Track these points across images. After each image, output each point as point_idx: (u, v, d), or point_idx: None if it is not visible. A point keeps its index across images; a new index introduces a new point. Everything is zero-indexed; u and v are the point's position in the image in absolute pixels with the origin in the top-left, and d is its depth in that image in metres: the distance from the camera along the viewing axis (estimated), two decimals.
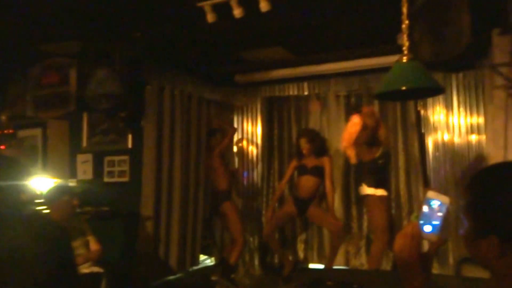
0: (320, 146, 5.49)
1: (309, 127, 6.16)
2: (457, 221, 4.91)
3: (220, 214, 5.72)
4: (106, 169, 5.47)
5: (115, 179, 5.42)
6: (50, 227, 1.09)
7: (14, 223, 1.06)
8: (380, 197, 4.89)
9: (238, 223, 5.61)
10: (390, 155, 5.31)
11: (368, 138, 4.94)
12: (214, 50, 5.37)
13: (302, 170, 5.51)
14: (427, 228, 1.24)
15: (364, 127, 4.94)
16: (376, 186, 4.90)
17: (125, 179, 5.38)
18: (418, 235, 1.24)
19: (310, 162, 5.45)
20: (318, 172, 5.44)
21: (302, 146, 5.43)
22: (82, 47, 4.62)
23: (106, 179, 5.46)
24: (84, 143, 5.58)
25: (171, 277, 5.27)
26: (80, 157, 5.57)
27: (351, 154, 5.14)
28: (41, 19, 4.38)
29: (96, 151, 5.51)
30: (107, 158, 5.46)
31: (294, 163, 5.62)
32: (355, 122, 5.04)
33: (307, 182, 5.45)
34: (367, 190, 4.94)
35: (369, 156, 4.98)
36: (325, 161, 5.44)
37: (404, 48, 2.94)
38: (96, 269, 4.14)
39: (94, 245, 4.25)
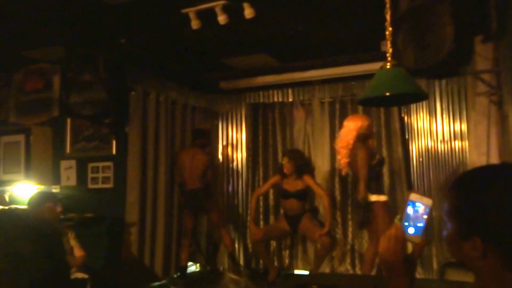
0: (302, 165, 5.47)
1: (294, 134, 6.19)
2: (440, 225, 4.97)
3: (203, 210, 5.66)
4: (90, 175, 5.44)
5: (99, 186, 5.39)
6: (41, 225, 1.08)
7: (4, 220, 1.05)
8: (384, 202, 4.87)
9: (222, 215, 5.66)
10: (384, 162, 5.33)
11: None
12: (198, 57, 5.37)
13: (285, 194, 5.48)
14: (411, 230, 1.26)
15: (358, 133, 4.91)
16: (379, 192, 4.89)
17: (109, 185, 5.36)
18: (402, 237, 1.26)
19: (292, 186, 5.41)
20: (301, 195, 5.44)
21: (284, 165, 5.41)
22: (66, 53, 4.58)
23: (90, 186, 5.43)
24: (68, 149, 5.55)
25: (156, 284, 5.23)
26: (64, 163, 5.53)
27: (343, 162, 5.08)
28: (25, 25, 4.35)
29: (80, 157, 5.48)
30: (91, 164, 5.43)
31: (275, 179, 5.60)
32: (351, 128, 4.95)
33: (292, 205, 5.45)
34: (371, 197, 4.90)
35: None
36: (307, 180, 5.41)
37: (388, 54, 2.96)
38: (80, 275, 4.10)
39: (78, 252, 4.22)
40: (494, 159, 3.88)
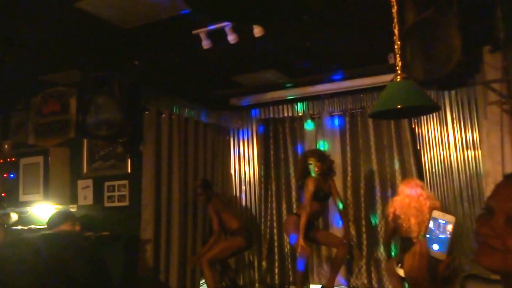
0: (331, 165, 5.22)
1: (304, 148, 6.22)
2: (461, 238, 4.95)
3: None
4: (106, 194, 5.49)
5: (115, 204, 5.44)
6: (89, 246, 1.08)
7: (53, 242, 1.05)
8: None
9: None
10: None
11: None
12: (210, 75, 5.46)
13: (322, 195, 5.12)
14: (435, 247, 1.28)
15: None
16: None
17: (125, 203, 5.40)
18: (426, 253, 1.27)
19: (325, 186, 5.16)
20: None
21: (314, 165, 5.02)
22: (82, 76, 4.68)
23: (106, 204, 5.48)
24: (85, 169, 5.62)
25: None
26: (81, 183, 5.60)
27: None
28: (42, 51, 4.47)
29: (96, 176, 5.55)
30: (107, 183, 5.49)
31: (313, 183, 5.04)
32: (424, 195, 4.72)
33: (324, 208, 5.32)
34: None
35: None
36: (333, 182, 5.22)
37: (397, 67, 3.00)
38: None
39: None
40: (510, 168, 3.87)
